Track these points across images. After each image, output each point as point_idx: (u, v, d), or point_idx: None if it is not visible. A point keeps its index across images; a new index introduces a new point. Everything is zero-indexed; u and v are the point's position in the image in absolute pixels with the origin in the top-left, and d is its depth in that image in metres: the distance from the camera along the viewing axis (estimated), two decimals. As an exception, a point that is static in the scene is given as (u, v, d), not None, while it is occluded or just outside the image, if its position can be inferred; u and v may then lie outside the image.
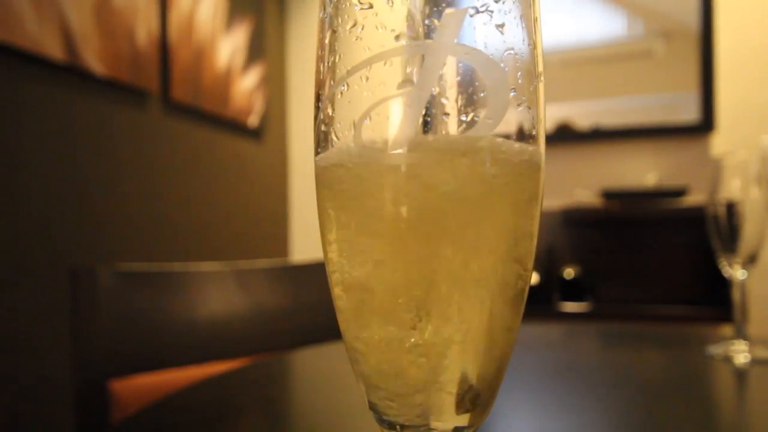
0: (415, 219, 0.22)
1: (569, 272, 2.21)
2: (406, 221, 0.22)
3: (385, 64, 0.23)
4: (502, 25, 0.23)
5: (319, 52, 0.25)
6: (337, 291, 0.25)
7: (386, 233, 0.23)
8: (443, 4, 0.22)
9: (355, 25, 0.23)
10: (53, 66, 1.51)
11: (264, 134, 2.57)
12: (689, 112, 2.26)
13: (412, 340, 0.23)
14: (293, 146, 2.82)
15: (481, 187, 0.22)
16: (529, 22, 0.24)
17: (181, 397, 0.58)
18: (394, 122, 0.22)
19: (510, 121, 0.23)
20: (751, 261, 0.71)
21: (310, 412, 0.55)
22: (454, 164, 0.22)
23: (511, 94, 0.23)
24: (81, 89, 1.60)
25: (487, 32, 0.22)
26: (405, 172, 0.22)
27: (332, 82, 0.24)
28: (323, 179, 0.25)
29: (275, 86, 2.70)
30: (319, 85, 0.25)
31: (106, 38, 1.65)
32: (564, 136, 2.40)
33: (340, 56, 0.24)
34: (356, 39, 0.23)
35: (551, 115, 2.40)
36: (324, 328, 0.96)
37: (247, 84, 2.39)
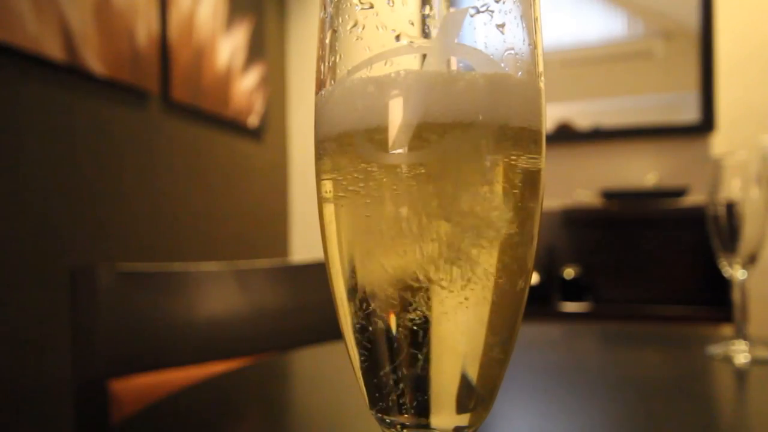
0: (415, 217, 0.22)
1: (569, 272, 2.21)
2: (406, 220, 0.22)
3: (385, 64, 0.23)
4: (502, 25, 0.23)
5: (320, 52, 0.25)
6: (337, 289, 0.25)
7: (386, 231, 0.23)
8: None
9: (355, 25, 0.23)
10: (53, 66, 1.51)
11: (264, 134, 2.57)
12: (689, 113, 2.26)
13: (413, 339, 0.23)
14: (293, 146, 2.82)
15: (482, 185, 0.22)
16: (530, 22, 0.24)
17: (181, 397, 0.58)
18: (395, 121, 0.22)
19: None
20: (751, 261, 0.71)
21: (310, 412, 0.55)
22: (455, 163, 0.22)
23: (512, 94, 0.23)
24: (81, 89, 1.60)
25: (488, 32, 0.23)
26: (406, 171, 0.22)
27: (333, 82, 0.24)
28: (324, 177, 0.25)
29: (275, 86, 2.70)
30: (320, 85, 0.25)
31: (106, 38, 1.65)
32: (564, 136, 2.40)
33: (340, 56, 0.24)
34: (357, 39, 0.23)
35: (551, 115, 2.39)
36: (324, 328, 0.96)
37: (247, 84, 2.39)
